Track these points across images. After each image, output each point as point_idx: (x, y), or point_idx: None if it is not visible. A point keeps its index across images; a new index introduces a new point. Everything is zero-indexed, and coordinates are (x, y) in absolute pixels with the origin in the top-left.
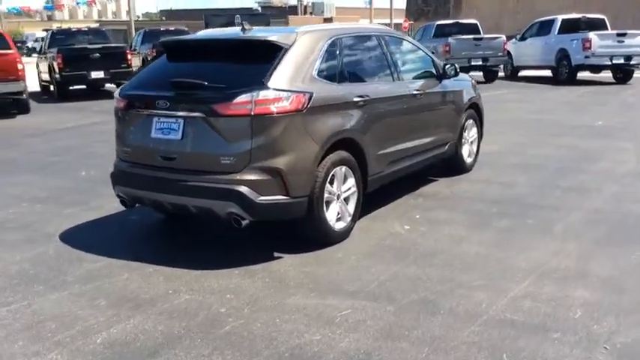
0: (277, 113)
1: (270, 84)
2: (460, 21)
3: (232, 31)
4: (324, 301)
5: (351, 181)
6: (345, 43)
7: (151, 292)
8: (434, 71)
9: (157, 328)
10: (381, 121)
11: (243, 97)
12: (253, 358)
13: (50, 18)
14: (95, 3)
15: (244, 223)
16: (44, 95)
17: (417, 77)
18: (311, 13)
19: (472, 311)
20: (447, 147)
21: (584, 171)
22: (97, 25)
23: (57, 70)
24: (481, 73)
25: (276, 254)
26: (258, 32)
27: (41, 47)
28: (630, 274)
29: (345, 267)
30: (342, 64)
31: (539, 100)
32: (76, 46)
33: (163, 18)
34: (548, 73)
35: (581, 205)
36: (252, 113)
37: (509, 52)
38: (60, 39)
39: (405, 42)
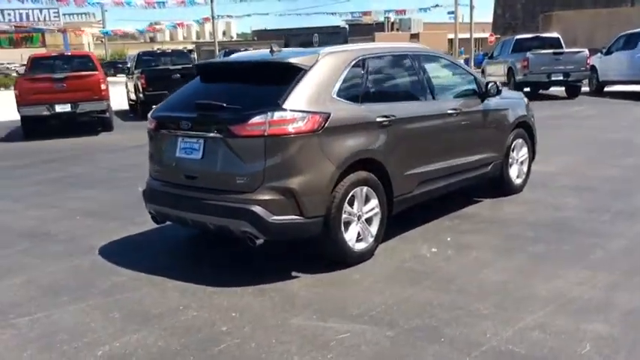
0: (292, 134)
1: (285, 105)
2: (541, 35)
3: (261, 54)
4: (325, 323)
5: (374, 202)
6: (371, 64)
7: (162, 307)
8: (476, 90)
9: (156, 344)
10: (410, 141)
11: (257, 119)
12: None
13: (152, 40)
14: (183, 26)
15: (258, 242)
16: (131, 113)
17: (455, 96)
18: (397, 30)
19: (473, 341)
20: (490, 167)
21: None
22: (193, 46)
23: (141, 89)
24: (563, 89)
25: (294, 273)
26: (284, 54)
27: (129, 68)
28: None
29: (357, 289)
30: (367, 84)
31: (618, 117)
32: (158, 67)
33: (255, 38)
34: (638, 88)
35: (627, 231)
36: (266, 134)
37: (593, 67)
38: (146, 60)
39: (443, 61)
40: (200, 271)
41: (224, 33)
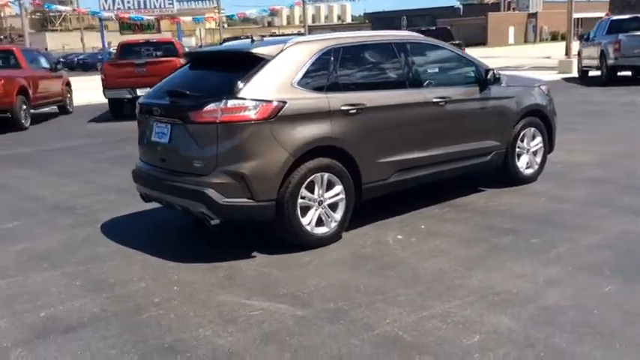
0: (243, 121)
1: (239, 93)
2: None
3: (239, 44)
4: (248, 300)
5: (338, 188)
6: (343, 53)
7: (118, 278)
8: (475, 77)
9: (92, 309)
10: (384, 129)
11: (211, 106)
12: (137, 345)
13: (270, 24)
14: (276, 11)
15: (214, 222)
16: None
17: (447, 84)
18: (514, 9)
19: (369, 324)
20: (491, 156)
21: None
22: (302, 30)
23: None
24: None
25: (253, 253)
26: (257, 44)
27: None
28: (580, 306)
29: (300, 271)
30: (335, 73)
31: None
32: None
33: (366, 21)
34: None
35: (612, 228)
36: (218, 121)
37: None
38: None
39: (437, 49)
40: (173, 248)
41: (339, 17)
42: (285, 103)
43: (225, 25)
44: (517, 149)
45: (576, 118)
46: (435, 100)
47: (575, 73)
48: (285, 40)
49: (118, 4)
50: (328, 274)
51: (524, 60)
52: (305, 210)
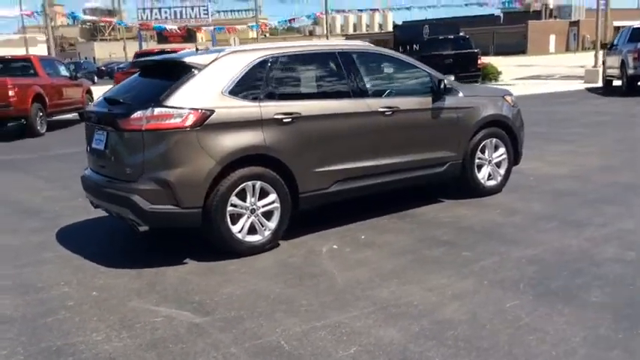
0: (168, 129)
1: (166, 102)
2: None
3: (183, 53)
4: (157, 307)
5: (273, 197)
6: (280, 63)
7: (48, 282)
8: (430, 87)
9: (4, 312)
10: (322, 139)
11: (137, 114)
12: (29, 347)
13: (311, 33)
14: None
15: (142, 229)
16: None
17: (397, 94)
18: (555, 17)
19: (259, 334)
20: (446, 167)
21: (620, 203)
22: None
23: None
24: None
25: (185, 260)
26: (199, 54)
27: None
28: (474, 321)
29: (220, 279)
30: (271, 83)
31: None
32: None
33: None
34: None
35: (550, 242)
36: (144, 128)
37: None
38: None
39: (387, 58)
40: (114, 253)
41: (380, 26)
42: (212, 111)
43: (267, 35)
44: (477, 160)
45: (576, 129)
46: (380, 109)
47: (600, 83)
48: (220, 50)
49: (156, 14)
50: (246, 282)
51: (558, 69)
52: (237, 218)
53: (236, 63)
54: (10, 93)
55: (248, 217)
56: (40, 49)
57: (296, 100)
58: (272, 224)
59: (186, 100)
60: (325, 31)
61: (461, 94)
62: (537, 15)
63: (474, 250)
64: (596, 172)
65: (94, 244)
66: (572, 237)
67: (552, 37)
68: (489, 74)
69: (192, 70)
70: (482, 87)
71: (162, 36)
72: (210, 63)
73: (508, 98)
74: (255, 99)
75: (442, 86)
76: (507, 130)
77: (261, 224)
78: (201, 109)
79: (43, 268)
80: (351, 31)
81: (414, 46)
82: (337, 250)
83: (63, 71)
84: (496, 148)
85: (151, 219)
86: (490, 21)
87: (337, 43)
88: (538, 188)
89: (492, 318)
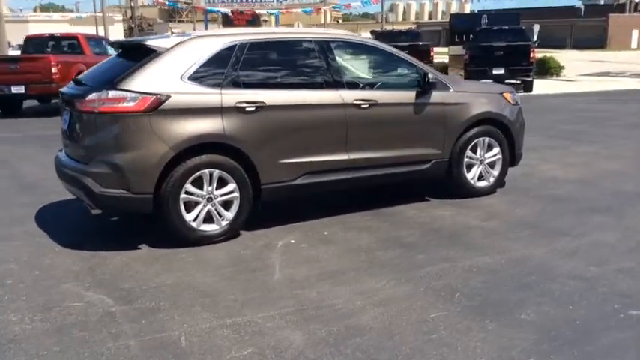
0: (121, 112)
1: (121, 84)
2: None
3: (155, 37)
4: (86, 292)
5: (231, 186)
6: (249, 49)
7: (0, 257)
8: (416, 81)
9: None
10: (289, 129)
11: (92, 96)
12: None
13: (385, 20)
14: (349, 7)
15: (94, 212)
16: None
17: (376, 86)
18: None
19: (165, 327)
20: (430, 165)
21: (611, 214)
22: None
23: None
24: None
25: (140, 246)
26: (161, 37)
27: None
28: (386, 329)
29: (160, 267)
30: (236, 70)
31: None
32: None
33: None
34: None
35: (514, 251)
36: (97, 111)
37: None
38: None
39: (371, 49)
40: (80, 234)
41: (443, 12)
42: (168, 96)
43: (340, 21)
44: (467, 160)
45: (611, 130)
46: (355, 102)
47: None
48: (185, 34)
49: None
50: (184, 272)
51: (632, 66)
52: (193, 206)
53: (200, 48)
54: (54, 70)
55: (204, 206)
56: (116, 29)
57: (262, 89)
58: (230, 214)
59: (143, 84)
60: (397, 18)
61: (452, 89)
62: (621, 8)
63: (429, 255)
64: (608, 178)
65: (65, 224)
66: (539, 247)
67: (635, 32)
68: (551, 69)
69: (153, 53)
70: (482, 83)
71: (228, 19)
72: (173, 47)
73: (508, 96)
74: (217, 86)
75: (427, 80)
76: (503, 129)
77: (218, 214)
78: (156, 94)
79: (5, 243)
80: (426, 18)
81: (470, 36)
82: (293, 245)
83: (110, 50)
84: (489, 147)
85: (102, 202)
86: (570, 13)
87: (317, 32)
88: (535, 192)
89: (407, 328)
